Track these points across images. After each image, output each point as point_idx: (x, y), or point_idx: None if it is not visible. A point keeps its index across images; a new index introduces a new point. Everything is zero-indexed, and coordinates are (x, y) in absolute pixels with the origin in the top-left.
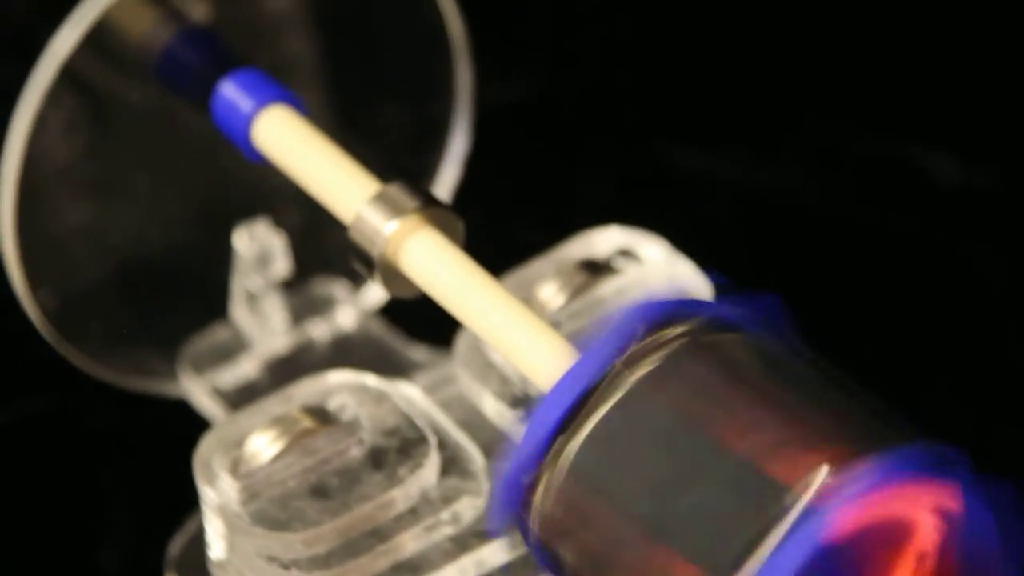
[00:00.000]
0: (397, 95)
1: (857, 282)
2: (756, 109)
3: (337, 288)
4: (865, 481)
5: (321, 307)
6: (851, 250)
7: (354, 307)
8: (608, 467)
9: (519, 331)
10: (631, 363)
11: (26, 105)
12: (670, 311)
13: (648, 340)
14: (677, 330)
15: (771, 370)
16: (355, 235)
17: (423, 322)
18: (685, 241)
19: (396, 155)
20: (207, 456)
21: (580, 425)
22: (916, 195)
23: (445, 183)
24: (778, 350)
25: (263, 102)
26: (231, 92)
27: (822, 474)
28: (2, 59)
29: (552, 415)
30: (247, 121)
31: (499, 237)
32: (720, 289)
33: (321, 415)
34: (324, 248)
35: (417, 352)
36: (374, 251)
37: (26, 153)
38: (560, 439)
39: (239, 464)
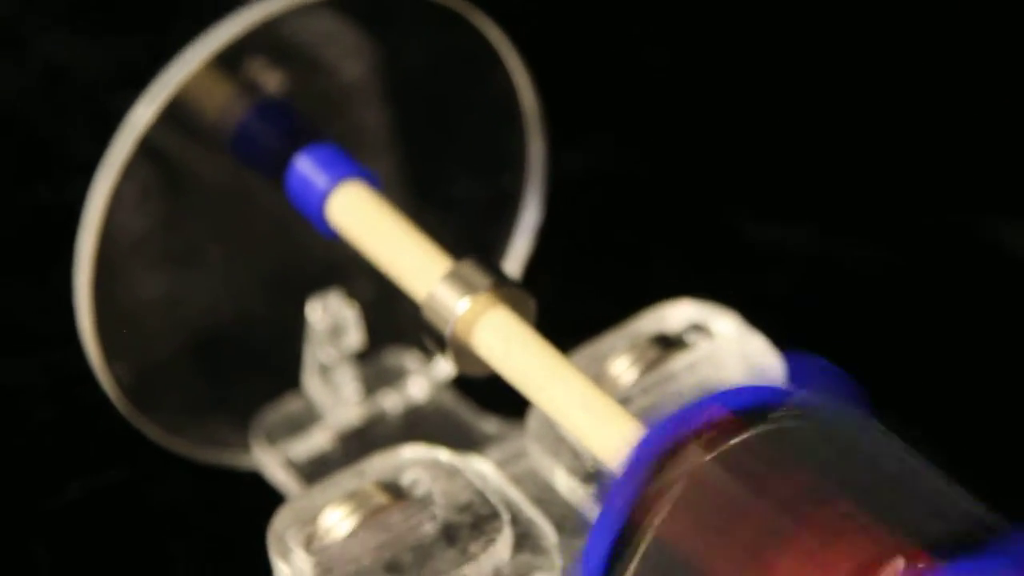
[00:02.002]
0: (469, 166)
1: (931, 353)
2: (827, 180)
3: (409, 359)
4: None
5: (393, 378)
6: (924, 321)
7: (426, 378)
8: (684, 549)
9: (588, 412)
10: (702, 446)
11: (103, 179)
12: (743, 393)
13: (719, 423)
14: (751, 412)
15: (841, 454)
16: (427, 313)
17: (495, 393)
18: (757, 314)
19: (468, 226)
20: (281, 530)
21: (653, 506)
22: (990, 266)
23: (517, 254)
24: (851, 433)
25: (337, 178)
26: (306, 168)
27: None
28: (77, 128)
29: (622, 495)
30: (322, 197)
31: (571, 309)
32: (792, 365)
33: (395, 490)
34: (396, 319)
35: (488, 424)
36: (446, 329)
37: (103, 226)
38: (633, 521)
39: (313, 539)
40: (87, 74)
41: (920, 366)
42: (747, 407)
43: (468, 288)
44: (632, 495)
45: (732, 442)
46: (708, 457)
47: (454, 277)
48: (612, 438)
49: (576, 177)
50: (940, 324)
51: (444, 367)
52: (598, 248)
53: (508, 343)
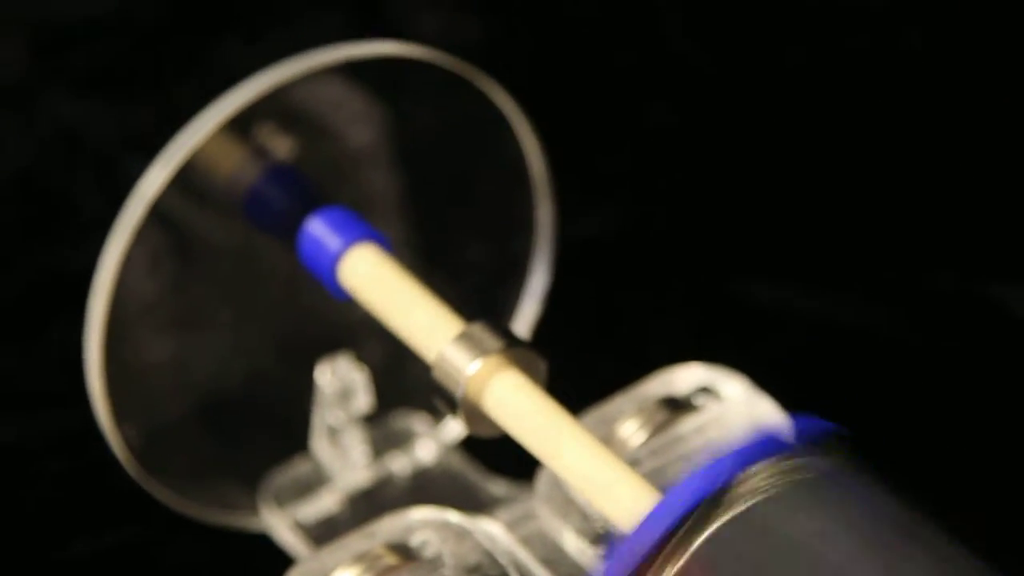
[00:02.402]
0: (477, 230)
1: (936, 414)
2: (831, 245)
3: (417, 422)
4: None
5: (401, 441)
6: (930, 383)
7: (434, 441)
8: None
9: (599, 473)
10: (714, 507)
11: (115, 242)
12: (754, 455)
13: (731, 484)
14: (761, 474)
15: (857, 511)
16: (438, 375)
17: (502, 455)
18: (764, 377)
19: (476, 289)
20: None
21: (663, 569)
22: (993, 328)
23: (525, 318)
24: (861, 490)
25: (350, 241)
26: (318, 230)
27: None
28: (88, 192)
29: (633, 558)
30: (334, 259)
31: (579, 373)
32: (801, 428)
33: (404, 552)
34: (404, 382)
35: (497, 486)
36: (457, 391)
37: (115, 289)
38: None
39: None
40: (98, 138)
41: (926, 428)
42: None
43: (479, 350)
44: (641, 557)
45: (744, 507)
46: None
47: (465, 338)
48: (623, 500)
49: (583, 241)
50: (947, 386)
51: (452, 430)
52: (605, 312)
53: (519, 404)
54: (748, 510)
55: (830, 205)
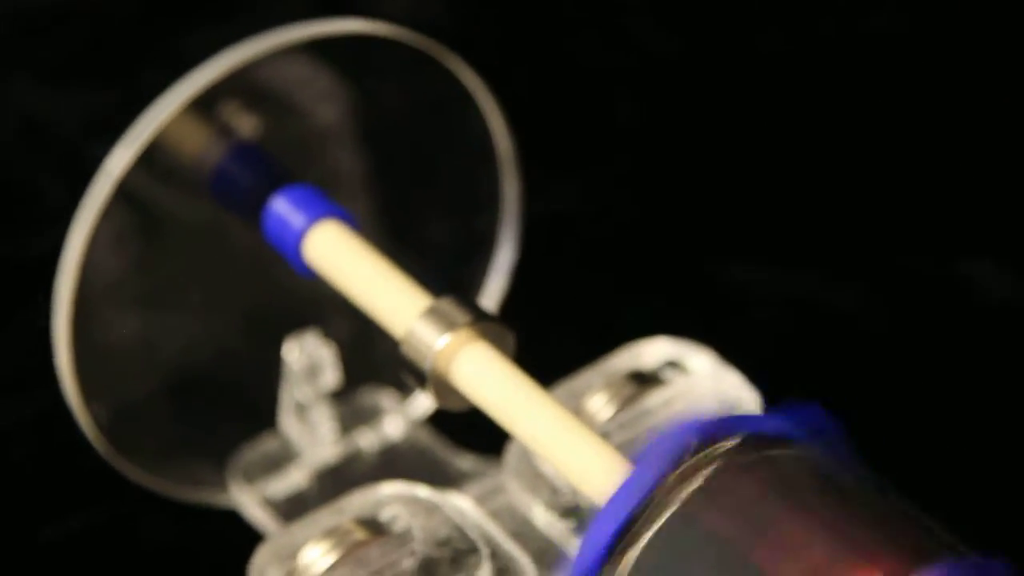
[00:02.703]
0: (444, 207)
1: (907, 394)
2: (802, 225)
3: (385, 398)
4: None
5: (369, 417)
6: (901, 363)
7: (402, 417)
8: None
9: (571, 444)
10: (684, 477)
11: (82, 222)
12: (722, 425)
13: (701, 454)
14: (729, 444)
15: (822, 486)
16: (407, 349)
17: (470, 430)
18: (733, 356)
19: (443, 266)
20: (262, 567)
21: (635, 539)
22: (965, 308)
23: (491, 294)
24: (828, 465)
25: (314, 218)
26: (282, 208)
27: None
28: (52, 175)
29: (608, 529)
30: (298, 237)
31: (545, 348)
32: (768, 401)
33: (374, 526)
34: (372, 358)
35: (465, 461)
36: (425, 365)
37: (81, 269)
38: (616, 553)
39: (293, 575)
40: (62, 125)
41: (896, 407)
42: (724, 435)
43: (447, 324)
44: (618, 523)
45: (715, 471)
46: (694, 487)
47: (433, 313)
48: (594, 470)
49: (552, 217)
50: (917, 366)
51: (420, 406)
52: (573, 289)
53: (488, 377)
54: (715, 481)
55: (802, 186)
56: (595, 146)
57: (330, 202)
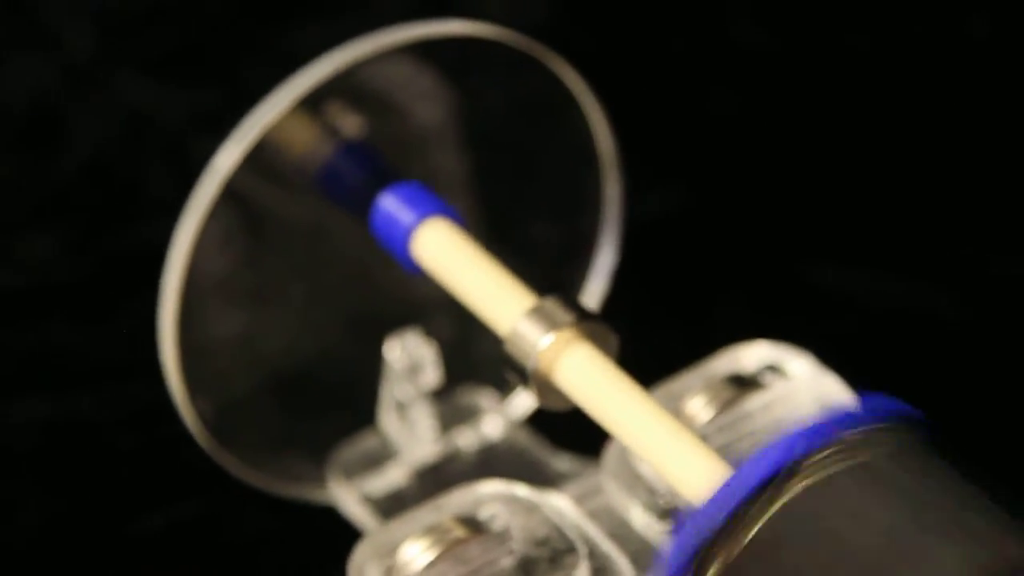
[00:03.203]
0: (546, 208)
1: (999, 398)
2: (897, 228)
3: (484, 398)
4: None
5: (468, 416)
6: (991, 364)
7: (501, 416)
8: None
9: (670, 446)
10: (786, 479)
11: (189, 219)
12: (826, 429)
13: (804, 457)
14: (831, 448)
15: (921, 488)
16: (510, 348)
17: (567, 431)
18: (829, 358)
19: (545, 267)
20: (361, 563)
21: (731, 542)
22: None
23: (592, 296)
24: (932, 467)
25: (423, 215)
26: (391, 205)
27: None
28: (158, 169)
29: (704, 530)
30: (407, 233)
31: (646, 350)
32: (867, 405)
33: (473, 525)
34: (472, 358)
35: (562, 462)
36: (529, 364)
37: (188, 265)
38: (713, 555)
39: (392, 572)
40: (169, 121)
41: (992, 411)
42: (823, 440)
43: (551, 324)
44: (714, 525)
45: (816, 479)
46: (793, 493)
47: (538, 313)
48: (695, 473)
49: (651, 220)
50: (1014, 368)
51: (519, 405)
52: (672, 291)
53: (591, 378)
54: (816, 486)
55: (895, 188)
56: (694, 147)
57: (438, 200)
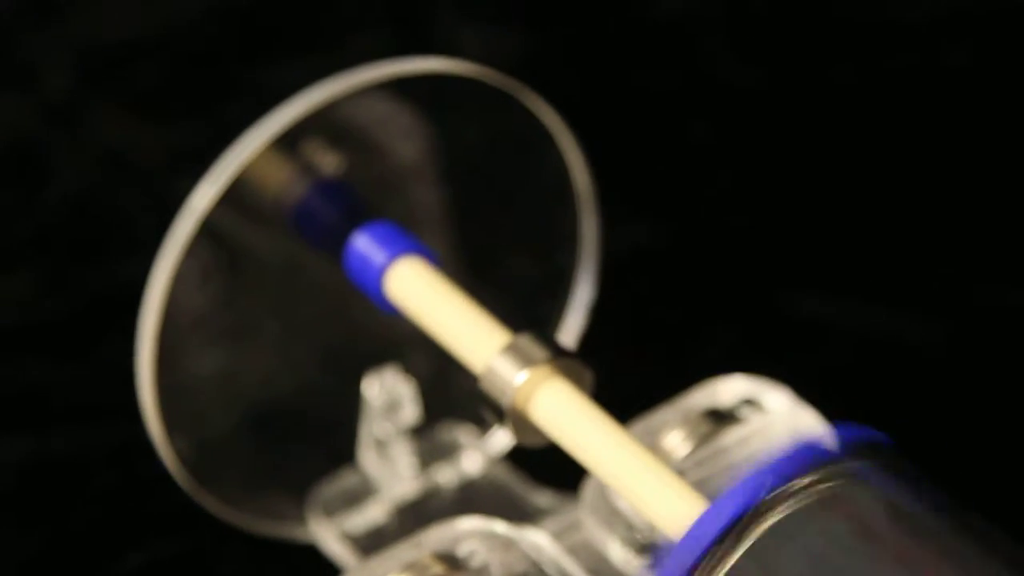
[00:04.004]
0: (523, 244)
1: (980, 428)
2: (877, 259)
3: (463, 434)
4: None
5: (447, 452)
6: (975, 396)
7: (480, 452)
8: None
9: (647, 481)
10: (758, 516)
11: (166, 259)
12: (799, 462)
13: (777, 491)
14: (805, 481)
15: (901, 522)
16: (486, 385)
17: (546, 467)
18: (807, 390)
19: (521, 302)
20: None
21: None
22: None
23: (569, 331)
24: (908, 500)
25: (395, 254)
26: (364, 244)
27: None
28: (136, 205)
29: (681, 566)
30: (380, 272)
31: (622, 385)
32: (844, 439)
33: (451, 561)
34: (450, 394)
35: (541, 497)
36: (504, 401)
37: (165, 303)
38: None
39: None
40: (146, 158)
41: (972, 442)
42: (798, 472)
43: (526, 360)
44: (692, 560)
45: (789, 513)
46: (768, 525)
47: (512, 349)
48: (671, 507)
49: (629, 254)
50: (995, 401)
51: (497, 442)
52: (648, 324)
53: (566, 413)
54: (793, 517)
55: (876, 219)
56: (672, 180)
57: (411, 238)
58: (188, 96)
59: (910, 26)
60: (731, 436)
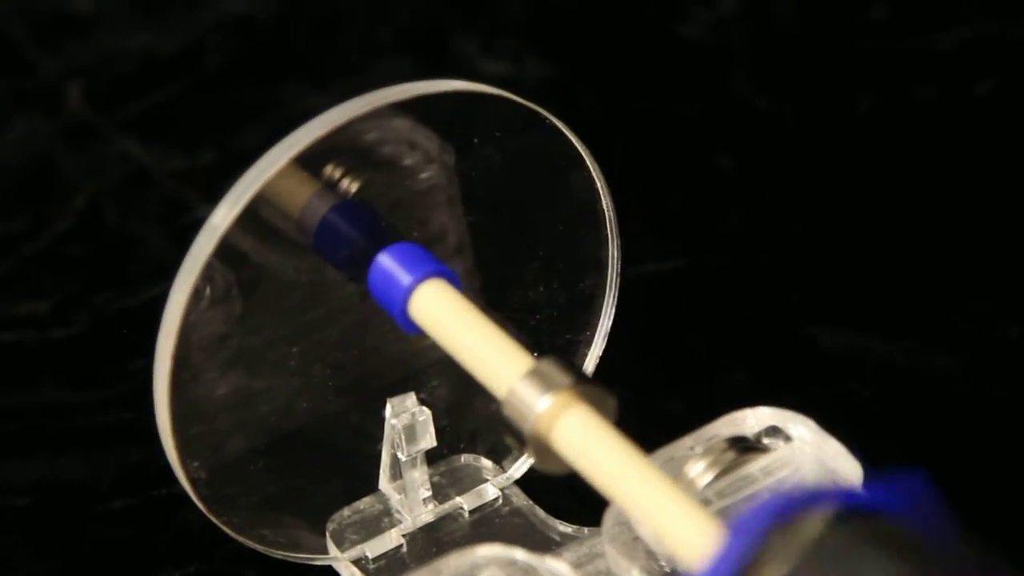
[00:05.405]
0: (546, 269)
1: (1005, 459)
2: (899, 291)
3: (482, 461)
4: None
5: (467, 479)
6: (997, 427)
7: (499, 480)
8: None
9: (669, 511)
10: (780, 548)
11: (184, 279)
12: (820, 497)
13: (799, 524)
14: (828, 515)
15: (919, 562)
16: (508, 410)
17: (565, 496)
18: (830, 422)
19: (543, 327)
20: None
21: None
22: None
23: (591, 358)
24: (927, 539)
25: (420, 276)
26: (389, 265)
27: None
28: (154, 233)
29: None
30: (405, 294)
31: (645, 411)
32: (868, 469)
33: None
34: (469, 421)
35: (561, 526)
36: (526, 426)
37: (183, 326)
38: None
39: None
40: (163, 180)
41: (994, 471)
42: (822, 507)
43: (549, 386)
44: None
45: (811, 544)
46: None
47: (535, 375)
48: (691, 537)
49: (652, 281)
50: (1015, 430)
51: (517, 469)
52: (671, 353)
53: (588, 441)
54: (814, 552)
55: (899, 252)
56: (696, 208)
57: (436, 261)
58: (207, 119)
59: (936, 55)
60: (755, 465)
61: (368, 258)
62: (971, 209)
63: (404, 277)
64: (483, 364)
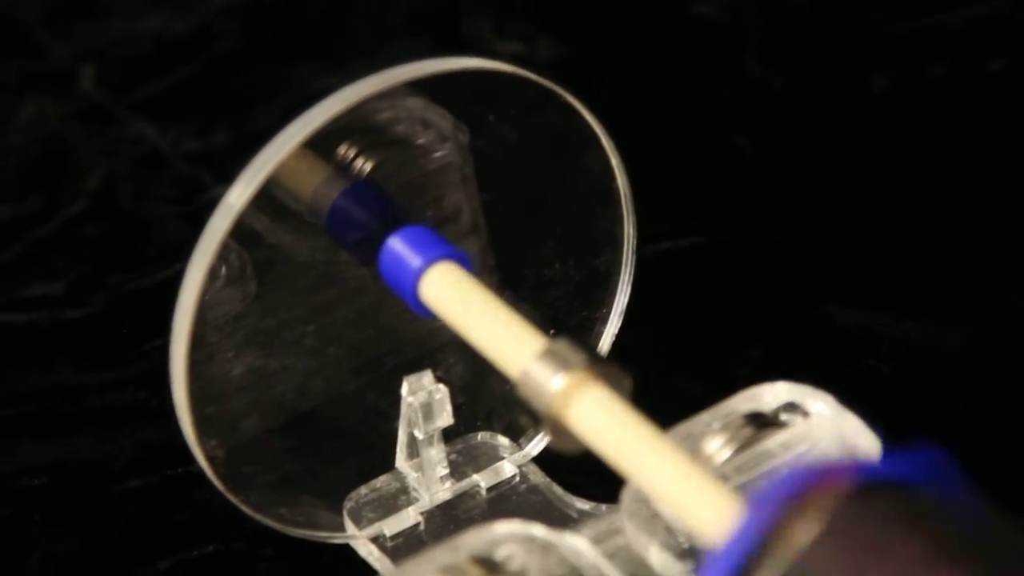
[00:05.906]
0: (560, 247)
1: (1022, 435)
2: (915, 270)
3: (499, 438)
4: None
5: (483, 457)
6: (1015, 403)
7: (516, 458)
8: None
9: (687, 486)
10: (801, 521)
11: (199, 259)
12: (840, 470)
13: (819, 498)
14: (847, 489)
15: (941, 530)
16: (523, 390)
17: (581, 473)
18: (847, 397)
19: (558, 306)
20: None
21: None
22: None
23: (607, 335)
24: (948, 508)
25: (431, 259)
26: (399, 248)
27: None
28: (168, 210)
29: (723, 573)
30: (415, 277)
31: (661, 389)
32: (887, 444)
33: (489, 565)
34: (486, 399)
35: (577, 504)
36: (542, 407)
37: (199, 305)
38: None
39: None
40: (177, 161)
41: (1016, 447)
42: (842, 479)
43: (563, 365)
44: (734, 567)
45: (832, 516)
46: (817, 530)
47: (549, 354)
48: (712, 513)
49: (668, 259)
50: None
51: (534, 447)
52: (686, 331)
53: (604, 419)
54: (835, 524)
55: (914, 229)
56: (709, 186)
57: (446, 244)
58: (219, 100)
59: (949, 34)
60: (774, 441)
61: (379, 242)
62: (986, 186)
63: (414, 260)
64: (496, 345)
